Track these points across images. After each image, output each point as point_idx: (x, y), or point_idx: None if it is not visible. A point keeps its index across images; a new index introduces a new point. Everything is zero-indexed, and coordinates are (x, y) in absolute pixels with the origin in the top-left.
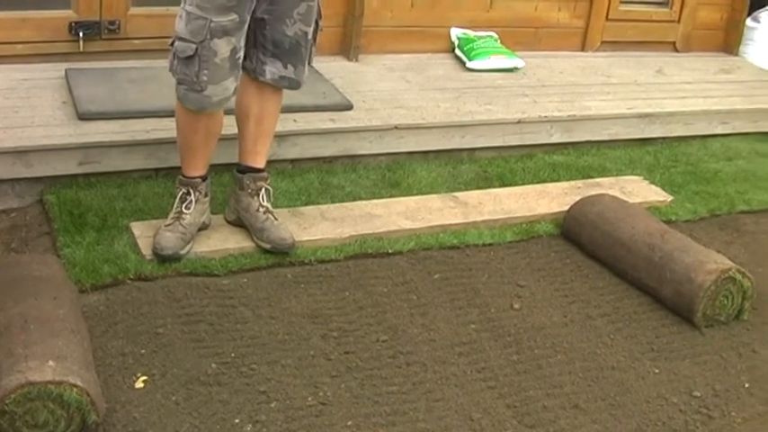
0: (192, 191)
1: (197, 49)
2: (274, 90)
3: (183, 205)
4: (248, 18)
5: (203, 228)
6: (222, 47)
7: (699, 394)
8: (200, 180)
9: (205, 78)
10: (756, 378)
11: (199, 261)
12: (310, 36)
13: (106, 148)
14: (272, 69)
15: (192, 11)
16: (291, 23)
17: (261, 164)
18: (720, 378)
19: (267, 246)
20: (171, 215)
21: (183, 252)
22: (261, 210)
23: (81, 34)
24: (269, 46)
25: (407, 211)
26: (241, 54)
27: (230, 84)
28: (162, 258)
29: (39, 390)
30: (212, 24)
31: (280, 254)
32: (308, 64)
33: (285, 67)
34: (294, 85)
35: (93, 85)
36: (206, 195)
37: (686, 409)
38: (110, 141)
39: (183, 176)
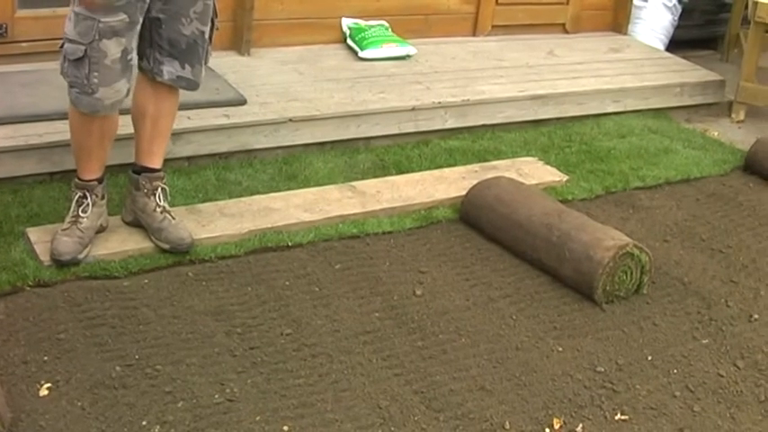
0: (88, 194)
1: (86, 50)
2: (171, 90)
3: (80, 209)
4: (140, 18)
5: (101, 230)
6: (112, 48)
7: (603, 369)
8: (96, 183)
9: (96, 81)
10: (658, 350)
11: (98, 264)
12: (207, 35)
13: None
14: (170, 69)
15: (81, 11)
16: (188, 22)
17: (157, 164)
18: (623, 352)
19: (166, 246)
20: (67, 219)
21: (81, 256)
22: (158, 210)
23: None
24: (165, 45)
25: (305, 203)
26: (133, 55)
27: (122, 86)
28: (60, 264)
29: None
30: (100, 25)
31: (179, 253)
32: (205, 63)
33: (183, 67)
34: (192, 85)
35: None
36: (102, 198)
37: (591, 385)
38: (1, 147)
39: (79, 180)
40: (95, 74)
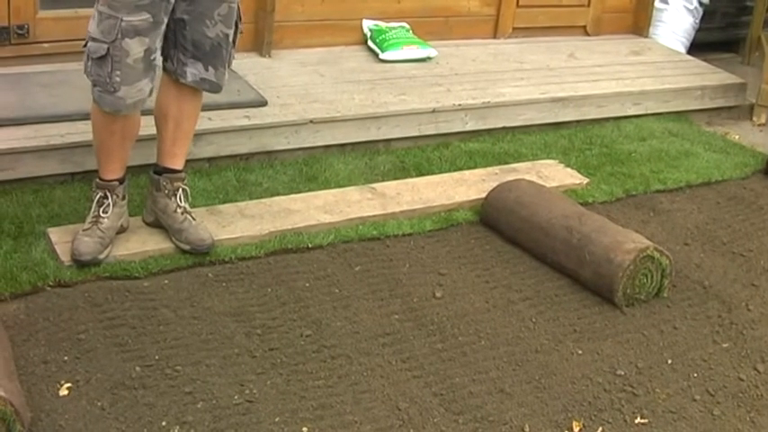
0: (109, 194)
1: (109, 49)
2: (194, 92)
3: (101, 209)
4: (164, 18)
5: (121, 231)
6: (134, 47)
7: (622, 373)
8: (117, 183)
9: (118, 79)
10: (678, 354)
11: (118, 264)
12: (231, 38)
13: (20, 154)
14: (193, 71)
15: (104, 10)
16: (212, 25)
17: (179, 165)
18: (643, 356)
19: (186, 247)
20: (88, 219)
21: (101, 257)
22: (178, 210)
23: None
24: (189, 47)
25: (326, 204)
26: (157, 55)
27: (145, 85)
28: (81, 264)
29: None
30: (123, 24)
31: (199, 254)
32: (228, 67)
33: (206, 70)
34: (215, 88)
35: (4, 91)
36: (123, 198)
37: (611, 388)
38: (23, 147)
39: (100, 180)
40: (117, 72)
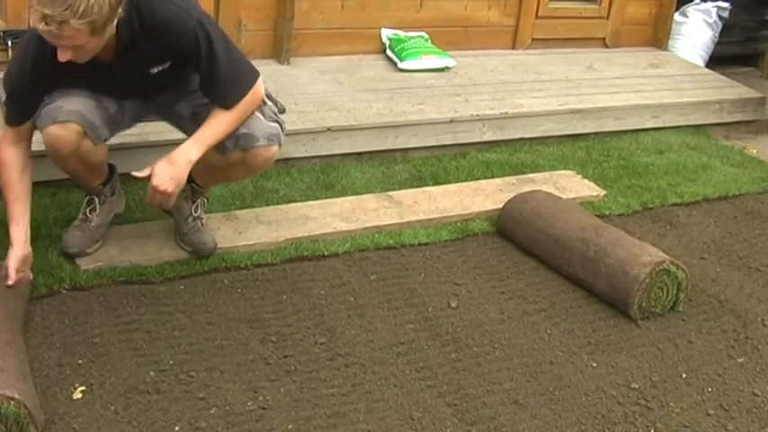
0: (96, 198)
1: None
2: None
3: (89, 209)
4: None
5: (116, 219)
6: None
7: (637, 386)
8: (101, 186)
9: None
10: (693, 368)
11: (134, 269)
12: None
13: (38, 157)
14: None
15: None
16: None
17: (205, 186)
18: (657, 369)
19: (188, 249)
20: (79, 216)
21: (90, 250)
22: (190, 219)
23: (9, 43)
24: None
25: (342, 212)
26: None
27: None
28: (69, 256)
29: None
30: None
31: (201, 258)
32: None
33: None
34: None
35: None
36: (113, 194)
37: (625, 402)
38: (42, 151)
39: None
40: None
